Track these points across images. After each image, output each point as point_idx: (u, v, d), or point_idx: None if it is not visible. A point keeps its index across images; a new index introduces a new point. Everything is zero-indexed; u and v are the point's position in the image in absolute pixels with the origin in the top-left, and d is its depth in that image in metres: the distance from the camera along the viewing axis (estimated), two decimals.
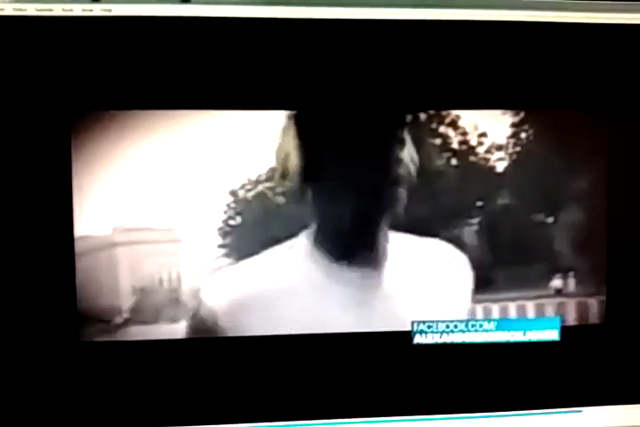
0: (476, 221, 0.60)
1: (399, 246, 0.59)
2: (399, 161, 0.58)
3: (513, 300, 0.60)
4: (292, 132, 0.57)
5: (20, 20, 0.54)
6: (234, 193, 0.57)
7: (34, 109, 0.54)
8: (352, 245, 0.59)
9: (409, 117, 0.58)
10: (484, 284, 0.60)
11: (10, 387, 0.56)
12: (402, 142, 0.58)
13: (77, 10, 0.55)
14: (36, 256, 0.55)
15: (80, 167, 0.55)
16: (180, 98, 0.56)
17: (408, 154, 0.58)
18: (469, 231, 0.60)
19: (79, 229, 0.56)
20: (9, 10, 0.54)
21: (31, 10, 0.54)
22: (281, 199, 0.58)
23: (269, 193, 0.57)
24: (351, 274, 0.58)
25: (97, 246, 0.56)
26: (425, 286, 0.60)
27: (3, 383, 0.56)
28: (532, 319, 0.60)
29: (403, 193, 0.58)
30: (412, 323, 0.59)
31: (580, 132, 0.60)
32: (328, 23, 0.57)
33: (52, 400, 0.56)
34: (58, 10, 0.54)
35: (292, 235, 0.58)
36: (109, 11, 0.55)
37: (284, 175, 0.57)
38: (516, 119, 0.59)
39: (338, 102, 0.58)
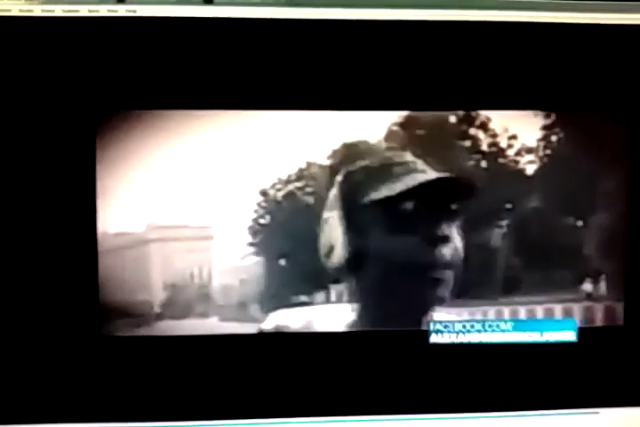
0: (505, 223, 0.60)
1: None
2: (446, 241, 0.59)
3: (540, 303, 0.60)
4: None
5: (48, 20, 0.55)
6: (264, 192, 0.58)
7: (60, 109, 0.56)
8: None
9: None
10: (513, 286, 0.60)
11: (30, 380, 0.57)
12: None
13: (103, 11, 0.56)
14: (60, 252, 0.57)
15: (105, 166, 0.57)
16: (205, 98, 0.57)
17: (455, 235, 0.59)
18: (498, 233, 0.60)
19: (103, 226, 0.57)
20: (37, 11, 0.55)
21: (58, 11, 0.55)
22: (310, 199, 0.58)
23: (299, 193, 0.58)
24: None
25: (127, 243, 0.58)
26: None
27: (23, 377, 0.57)
28: (549, 320, 0.60)
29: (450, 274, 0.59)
30: (429, 322, 0.59)
31: (605, 135, 0.60)
32: (344, 24, 0.57)
33: (74, 393, 0.57)
34: (84, 11, 0.56)
35: None
36: (134, 11, 0.56)
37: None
38: (547, 122, 0.60)
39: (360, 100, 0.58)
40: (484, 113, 0.59)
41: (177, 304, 0.58)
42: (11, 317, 0.56)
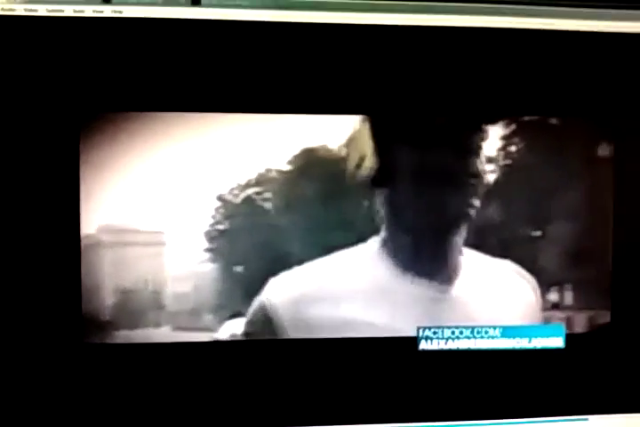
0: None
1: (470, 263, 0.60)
2: (474, 169, 0.58)
3: None
4: (368, 134, 0.58)
5: (30, 20, 0.54)
6: (221, 198, 0.57)
7: (44, 109, 0.55)
8: (423, 257, 0.59)
9: (484, 126, 0.59)
10: None
11: (15, 388, 0.55)
12: (476, 151, 0.58)
13: (88, 11, 0.55)
14: (40, 257, 0.55)
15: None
16: (173, 100, 0.56)
17: (480, 162, 0.59)
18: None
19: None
20: (20, 10, 0.54)
21: (42, 10, 0.54)
22: (268, 205, 0.57)
23: (257, 198, 0.57)
24: (419, 286, 0.58)
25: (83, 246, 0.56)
26: (491, 304, 0.60)
27: (7, 385, 0.55)
28: (537, 326, 0.60)
29: (477, 203, 0.58)
30: (418, 329, 0.59)
31: (566, 145, 0.60)
32: (341, 28, 0.57)
33: (57, 402, 0.56)
34: (69, 11, 0.54)
35: (360, 240, 0.58)
36: (120, 12, 0.55)
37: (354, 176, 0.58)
38: (507, 131, 0.60)
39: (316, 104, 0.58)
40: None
41: (128, 312, 0.56)
42: None
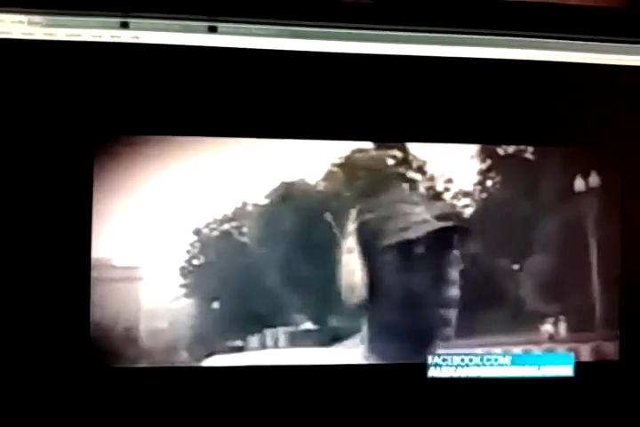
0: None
1: None
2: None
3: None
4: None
5: (49, 44, 0.55)
6: (197, 232, 0.56)
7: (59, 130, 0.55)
8: None
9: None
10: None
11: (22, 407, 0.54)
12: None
13: (106, 36, 0.56)
14: (50, 279, 0.55)
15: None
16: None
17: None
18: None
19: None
20: (39, 34, 0.55)
21: (61, 35, 0.55)
22: (245, 239, 0.57)
23: (234, 232, 0.57)
24: None
25: None
26: None
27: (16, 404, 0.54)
28: (546, 355, 0.60)
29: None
30: (427, 356, 0.58)
31: (543, 178, 0.61)
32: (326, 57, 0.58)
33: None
34: (87, 35, 0.55)
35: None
36: (137, 38, 0.56)
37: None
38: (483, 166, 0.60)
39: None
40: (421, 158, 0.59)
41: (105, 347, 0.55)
42: None
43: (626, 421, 0.61)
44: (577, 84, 0.61)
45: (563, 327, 0.60)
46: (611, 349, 0.61)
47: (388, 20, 0.58)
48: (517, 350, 0.59)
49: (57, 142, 0.55)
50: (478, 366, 0.59)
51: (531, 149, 0.60)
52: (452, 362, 0.58)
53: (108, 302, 0.55)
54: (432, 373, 0.58)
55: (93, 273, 0.55)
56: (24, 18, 0.54)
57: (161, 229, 0.56)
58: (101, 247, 0.55)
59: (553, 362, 0.60)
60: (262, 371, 0.57)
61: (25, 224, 0.54)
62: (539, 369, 0.59)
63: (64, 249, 0.55)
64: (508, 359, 0.59)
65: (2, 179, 0.54)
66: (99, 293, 0.55)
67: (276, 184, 0.57)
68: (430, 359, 0.58)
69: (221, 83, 0.57)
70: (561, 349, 0.60)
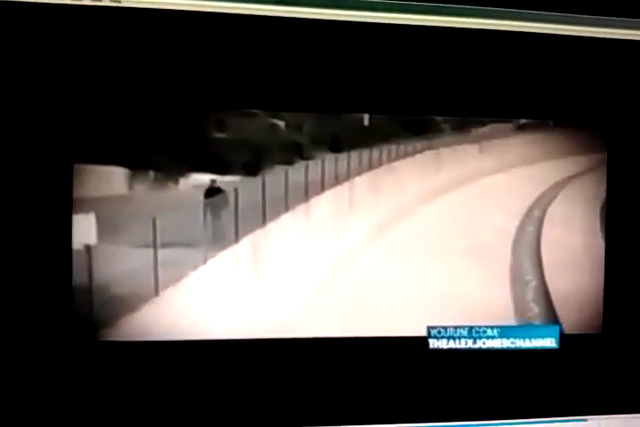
0: None
1: None
2: None
3: None
4: None
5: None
6: None
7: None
8: None
9: None
10: None
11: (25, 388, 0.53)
12: None
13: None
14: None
15: None
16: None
17: None
18: None
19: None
20: None
21: None
22: None
23: None
24: None
25: None
26: None
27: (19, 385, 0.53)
28: (532, 326, 0.60)
29: None
30: (428, 329, 0.58)
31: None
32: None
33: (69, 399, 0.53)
34: None
35: None
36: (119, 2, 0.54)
37: None
38: None
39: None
40: None
41: None
42: None
43: (609, 390, 0.61)
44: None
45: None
46: (595, 322, 0.61)
47: None
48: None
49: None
50: (467, 338, 0.58)
51: None
52: (446, 333, 0.58)
53: None
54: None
55: None
56: None
57: None
58: None
59: (538, 334, 0.60)
60: (262, 344, 0.56)
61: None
62: (524, 341, 0.59)
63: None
64: (496, 332, 0.59)
65: None
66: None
67: None
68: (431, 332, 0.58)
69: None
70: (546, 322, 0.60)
